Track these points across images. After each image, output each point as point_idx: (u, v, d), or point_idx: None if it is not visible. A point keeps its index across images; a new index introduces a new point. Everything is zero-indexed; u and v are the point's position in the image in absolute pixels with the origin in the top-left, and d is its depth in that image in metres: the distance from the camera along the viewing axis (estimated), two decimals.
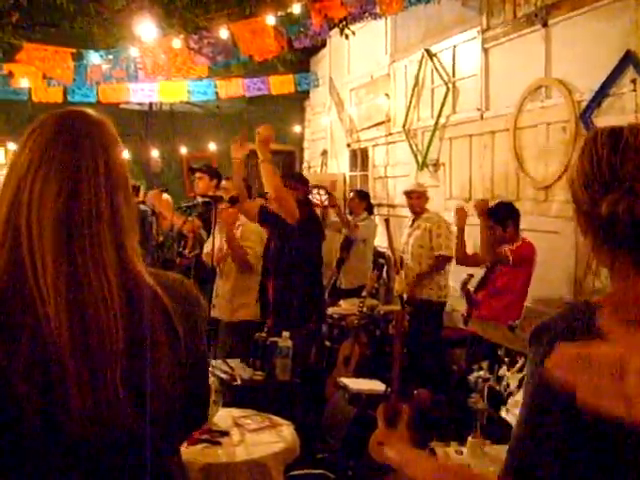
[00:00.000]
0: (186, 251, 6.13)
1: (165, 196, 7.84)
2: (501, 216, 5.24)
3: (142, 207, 8.09)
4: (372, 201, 8.83)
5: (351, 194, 8.39)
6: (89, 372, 1.13)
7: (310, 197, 7.74)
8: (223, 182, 6.00)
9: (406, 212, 7.10)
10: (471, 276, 5.47)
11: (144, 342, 1.19)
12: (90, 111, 1.32)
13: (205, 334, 1.40)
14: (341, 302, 6.71)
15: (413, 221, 6.67)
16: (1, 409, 1.10)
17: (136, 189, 8.03)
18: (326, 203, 7.92)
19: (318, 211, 7.50)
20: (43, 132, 1.25)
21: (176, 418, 1.28)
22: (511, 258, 5.09)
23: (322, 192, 8.06)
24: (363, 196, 8.11)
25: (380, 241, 8.44)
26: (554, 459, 1.12)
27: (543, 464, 1.13)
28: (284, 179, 5.27)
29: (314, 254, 5.22)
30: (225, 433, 3.19)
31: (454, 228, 6.04)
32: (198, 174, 6.38)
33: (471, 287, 5.50)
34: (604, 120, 5.07)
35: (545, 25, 5.77)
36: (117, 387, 1.15)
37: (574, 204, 1.25)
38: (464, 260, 5.84)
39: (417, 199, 6.61)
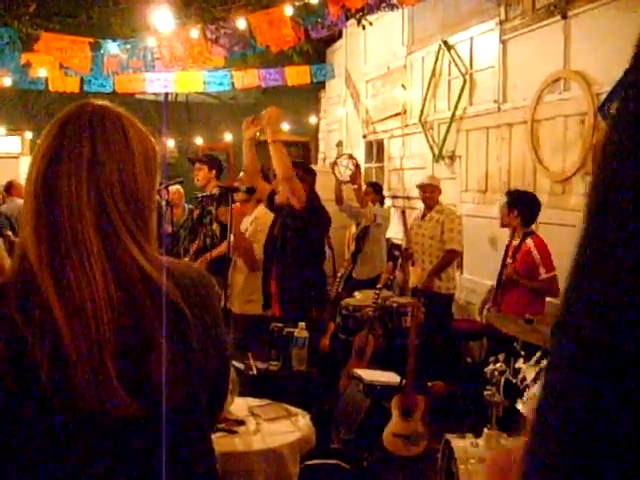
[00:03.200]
0: (192, 247, 6.14)
1: (177, 187, 7.85)
2: (514, 200, 5.29)
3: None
4: (387, 193, 8.81)
5: (364, 187, 8.32)
6: (86, 354, 1.15)
7: (335, 166, 7.68)
8: (241, 174, 5.98)
9: (420, 204, 7.08)
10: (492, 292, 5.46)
11: (137, 330, 1.20)
12: (105, 103, 1.34)
13: (223, 321, 1.40)
14: (356, 293, 6.70)
15: (424, 214, 6.65)
16: (20, 375, 1.14)
17: None
18: (347, 179, 7.71)
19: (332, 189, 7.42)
20: (55, 121, 1.28)
21: (186, 407, 1.27)
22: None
23: (351, 164, 7.69)
24: (378, 189, 8.07)
25: (395, 233, 8.43)
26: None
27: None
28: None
29: (315, 244, 5.19)
30: (241, 422, 3.19)
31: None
32: (197, 164, 6.30)
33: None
34: None
35: (564, 17, 5.72)
36: (108, 369, 1.15)
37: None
38: None
39: (431, 192, 6.59)
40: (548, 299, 5.23)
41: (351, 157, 7.87)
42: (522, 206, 5.23)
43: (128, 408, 1.16)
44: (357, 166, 7.74)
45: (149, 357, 1.19)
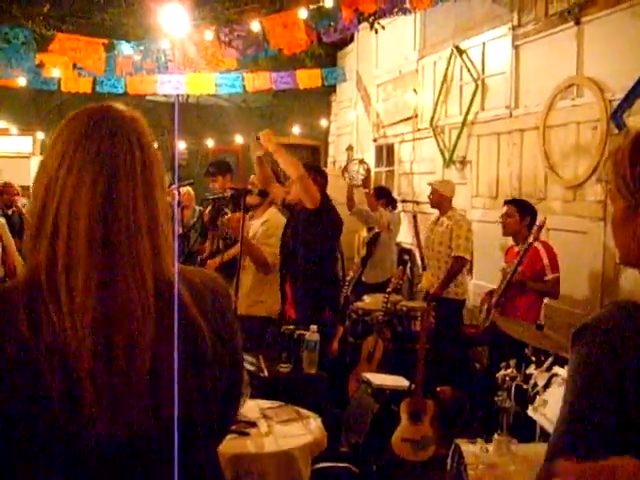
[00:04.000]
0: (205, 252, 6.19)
1: (187, 188, 7.89)
2: (524, 209, 5.33)
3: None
4: (397, 197, 8.80)
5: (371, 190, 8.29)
6: (108, 381, 1.11)
7: (346, 171, 7.69)
8: (252, 177, 6.01)
9: (430, 209, 7.08)
10: (491, 292, 5.43)
11: (167, 351, 1.16)
12: (122, 106, 1.30)
13: (238, 329, 1.37)
14: (365, 297, 6.70)
15: (437, 218, 6.65)
16: (30, 394, 1.10)
17: None
18: (359, 183, 7.68)
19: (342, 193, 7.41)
20: (78, 125, 1.24)
21: (201, 422, 1.25)
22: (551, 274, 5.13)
23: (362, 170, 7.65)
24: (384, 194, 8.05)
25: (405, 237, 8.43)
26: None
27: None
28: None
29: (329, 246, 5.21)
30: (253, 424, 3.20)
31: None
32: (212, 178, 6.47)
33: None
34: (636, 120, 5.03)
35: (578, 23, 5.71)
36: (143, 400, 1.13)
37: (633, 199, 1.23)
38: None
39: (432, 194, 6.58)
40: (561, 307, 5.23)
41: (362, 162, 7.87)
42: (531, 213, 5.27)
43: (137, 425, 1.14)
44: (368, 170, 7.74)
45: (161, 375, 1.16)
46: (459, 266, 6.26)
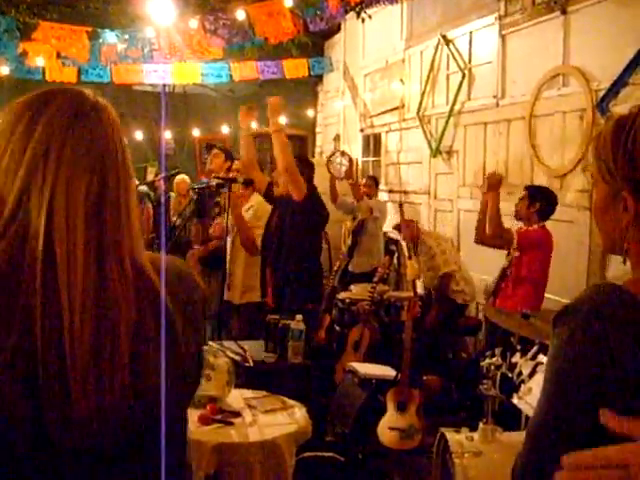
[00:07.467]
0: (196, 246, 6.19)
1: (182, 176, 7.88)
2: (536, 194, 5.18)
3: (143, 188, 8.14)
4: (384, 187, 8.82)
5: (364, 180, 8.31)
6: (96, 377, 1.08)
7: (329, 164, 7.68)
8: (235, 163, 6.00)
9: (416, 198, 7.08)
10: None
11: (147, 343, 1.15)
12: (91, 91, 1.24)
13: (203, 319, 1.35)
14: (352, 287, 6.70)
15: (414, 248, 6.51)
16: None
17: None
18: (342, 175, 7.69)
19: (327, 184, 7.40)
20: (59, 109, 1.16)
21: (173, 404, 1.22)
22: (516, 239, 5.08)
23: (344, 161, 7.67)
24: (376, 182, 8.11)
25: (391, 227, 8.43)
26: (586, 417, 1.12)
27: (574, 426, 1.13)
28: None
29: (313, 237, 5.22)
30: (237, 414, 3.20)
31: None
32: (215, 150, 6.29)
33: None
34: (622, 109, 5.03)
35: (564, 12, 5.71)
36: (125, 391, 1.10)
37: (622, 181, 1.22)
38: (484, 240, 5.53)
39: (406, 228, 6.50)
40: (547, 295, 5.23)
41: (344, 153, 7.87)
42: (544, 200, 5.17)
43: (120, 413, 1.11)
44: (351, 161, 7.75)
45: (142, 360, 1.14)
46: (445, 282, 6.37)
